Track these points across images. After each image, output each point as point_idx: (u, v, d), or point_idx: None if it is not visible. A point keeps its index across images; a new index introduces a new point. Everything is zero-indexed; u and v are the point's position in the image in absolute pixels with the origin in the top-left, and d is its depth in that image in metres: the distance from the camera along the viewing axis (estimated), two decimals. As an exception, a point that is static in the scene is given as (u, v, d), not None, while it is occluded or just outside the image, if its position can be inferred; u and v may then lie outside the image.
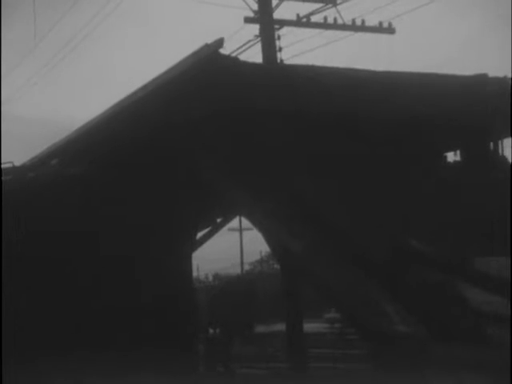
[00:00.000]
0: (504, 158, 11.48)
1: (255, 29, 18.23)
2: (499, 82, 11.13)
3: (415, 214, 10.15)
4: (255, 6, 18.07)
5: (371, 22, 18.81)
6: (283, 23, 18.30)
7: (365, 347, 10.92)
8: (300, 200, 10.08)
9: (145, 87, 10.43)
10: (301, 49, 18.90)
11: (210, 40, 9.57)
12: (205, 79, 9.74)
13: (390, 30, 18.87)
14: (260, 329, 23.41)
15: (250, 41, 18.52)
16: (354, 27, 18.77)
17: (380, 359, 9.13)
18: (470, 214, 10.34)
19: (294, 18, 18.60)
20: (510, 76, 11.12)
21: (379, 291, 8.97)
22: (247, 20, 18.15)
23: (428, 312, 8.68)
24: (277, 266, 29.52)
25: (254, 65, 11.44)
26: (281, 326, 17.46)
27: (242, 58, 15.81)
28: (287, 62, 17.75)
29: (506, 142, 11.56)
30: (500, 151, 11.48)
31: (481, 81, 11.12)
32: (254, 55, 18.15)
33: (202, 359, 16.41)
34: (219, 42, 9.57)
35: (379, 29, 18.83)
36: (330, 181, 10.25)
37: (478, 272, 9.00)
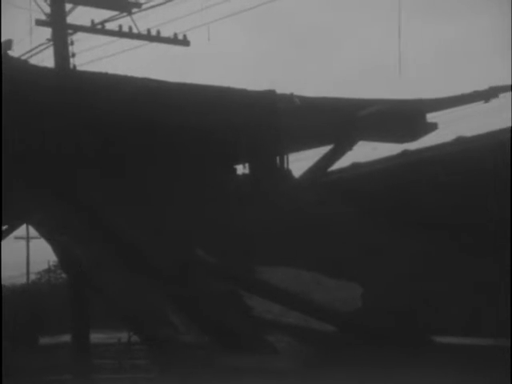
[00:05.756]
0: (289, 171, 11.93)
1: (48, 32, 17.87)
2: (287, 98, 11.54)
3: (205, 225, 10.29)
4: (48, 9, 17.70)
5: (167, 33, 19.01)
6: (77, 28, 18.05)
7: (151, 357, 10.91)
8: (90, 210, 9.93)
9: None
10: (96, 55, 18.70)
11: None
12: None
13: (185, 42, 19.15)
14: (45, 340, 22.77)
15: (42, 44, 18.14)
16: (149, 37, 18.87)
17: (166, 368, 9.17)
18: (257, 226, 10.62)
19: (89, 23, 18.40)
20: (296, 94, 11.59)
21: (165, 301, 9.00)
22: (39, 23, 17.74)
23: (213, 321, 8.82)
24: (65, 276, 28.86)
25: (44, 69, 11.18)
26: (67, 337, 17.11)
27: (34, 61, 15.43)
28: (81, 67, 17.51)
29: (291, 156, 12.02)
30: (285, 165, 11.91)
31: (269, 97, 11.48)
32: (46, 59, 17.78)
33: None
34: (7, 44, 9.28)
35: (174, 40, 19.06)
36: (122, 190, 10.18)
37: (260, 281, 9.27)
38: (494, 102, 12.07)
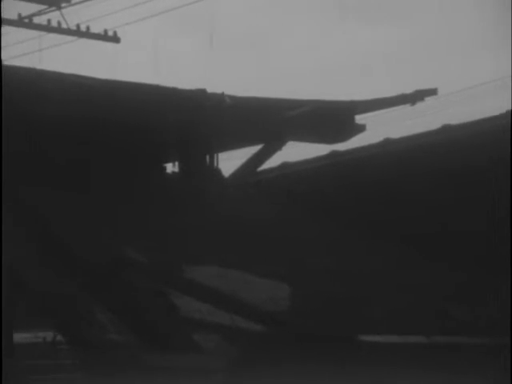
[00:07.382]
0: (218, 171, 11.97)
1: (-28, 25, 17.48)
2: (217, 97, 11.56)
3: (134, 223, 10.24)
4: (-28, 1, 17.30)
5: (98, 29, 18.82)
6: (3, 22, 17.69)
7: (76, 357, 10.77)
8: (16, 207, 9.77)
9: None
10: (24, 50, 18.41)
11: None
12: None
13: (115, 38, 18.96)
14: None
15: (-35, 37, 17.73)
16: (78, 32, 18.61)
17: (91, 368, 9.09)
18: (186, 224, 10.61)
19: (16, 17, 18.08)
20: (226, 93, 11.62)
21: (92, 301, 8.92)
22: (-38, 15, 17.31)
23: (141, 321, 8.78)
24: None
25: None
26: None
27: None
28: (7, 62, 17.19)
29: (221, 155, 12.07)
30: (215, 163, 11.95)
31: (200, 95, 11.48)
32: (-29, 53, 17.38)
33: None
34: None
35: (104, 36, 18.83)
36: (50, 188, 10.04)
37: (188, 280, 9.27)
38: (419, 105, 12.33)
